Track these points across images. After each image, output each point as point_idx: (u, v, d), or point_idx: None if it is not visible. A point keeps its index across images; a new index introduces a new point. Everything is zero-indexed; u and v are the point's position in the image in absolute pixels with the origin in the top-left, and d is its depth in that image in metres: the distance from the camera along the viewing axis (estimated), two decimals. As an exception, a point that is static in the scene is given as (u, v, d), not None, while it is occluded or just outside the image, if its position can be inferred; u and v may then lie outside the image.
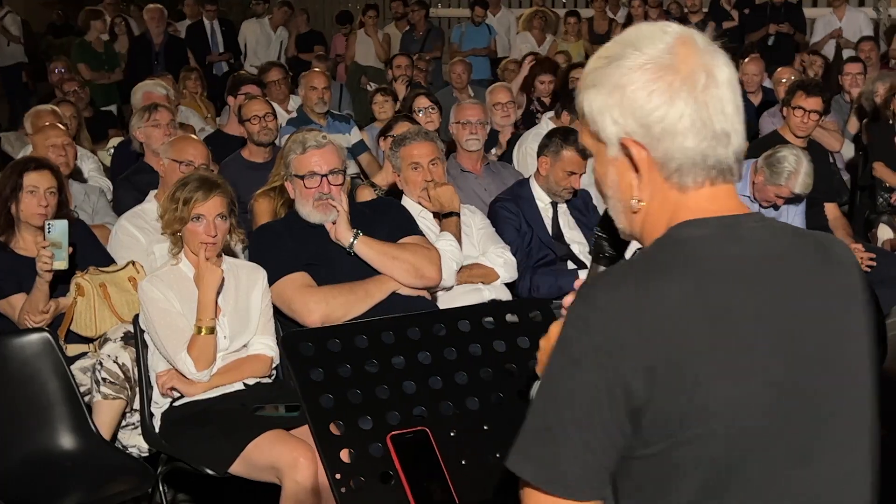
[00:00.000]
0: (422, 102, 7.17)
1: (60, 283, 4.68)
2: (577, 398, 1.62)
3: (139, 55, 11.95)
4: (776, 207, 5.95)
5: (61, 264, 4.54)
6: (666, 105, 1.67)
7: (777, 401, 1.66)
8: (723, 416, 1.63)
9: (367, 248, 4.42)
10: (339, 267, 4.42)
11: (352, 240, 4.38)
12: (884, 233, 7.15)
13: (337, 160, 4.52)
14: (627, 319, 1.62)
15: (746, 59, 9.52)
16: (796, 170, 5.73)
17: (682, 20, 12.43)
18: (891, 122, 7.47)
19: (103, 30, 12.20)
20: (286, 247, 4.42)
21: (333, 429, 2.24)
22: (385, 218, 4.68)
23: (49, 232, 4.54)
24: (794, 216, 6.05)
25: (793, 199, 5.92)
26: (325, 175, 4.44)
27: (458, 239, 4.88)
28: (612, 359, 1.60)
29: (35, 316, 4.54)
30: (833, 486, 1.74)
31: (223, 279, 4.21)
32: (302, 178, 4.46)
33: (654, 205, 1.75)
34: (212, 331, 4.14)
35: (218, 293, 4.19)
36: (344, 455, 2.24)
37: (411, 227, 4.66)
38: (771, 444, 1.67)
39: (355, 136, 7.73)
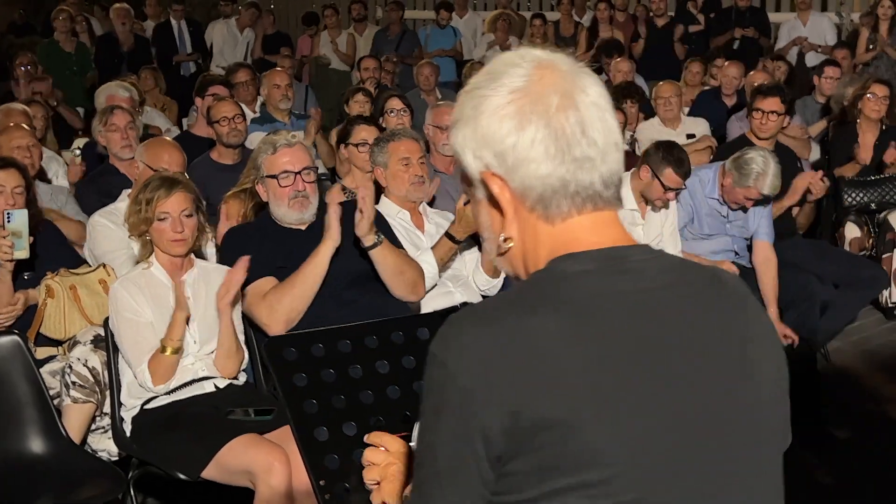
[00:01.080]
0: (394, 104, 7.14)
1: (24, 272, 4.64)
2: (439, 451, 1.52)
3: (105, 56, 11.84)
4: (745, 210, 5.98)
5: (22, 253, 4.49)
6: (516, 131, 1.56)
7: (665, 440, 1.54)
8: (605, 460, 1.50)
9: (384, 258, 4.41)
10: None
11: (375, 242, 4.36)
12: (851, 231, 7.23)
13: (308, 159, 4.54)
14: (493, 360, 1.48)
15: (727, 63, 9.58)
16: (764, 171, 5.75)
17: (649, 23, 12.52)
18: (857, 121, 7.53)
19: (65, 29, 12.08)
20: (255, 250, 4.39)
21: (318, 434, 2.22)
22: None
23: (8, 221, 4.48)
24: (760, 217, 6.08)
25: (760, 201, 5.95)
26: (299, 172, 4.43)
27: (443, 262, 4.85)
28: (473, 404, 1.48)
29: (1, 309, 4.48)
30: None
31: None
32: (275, 177, 4.44)
33: (526, 241, 1.63)
34: (176, 351, 4.11)
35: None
36: (328, 461, 2.21)
37: (394, 241, 4.64)
38: (665, 485, 1.55)
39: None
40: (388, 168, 5.04)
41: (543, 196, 1.58)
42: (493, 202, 1.62)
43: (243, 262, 4.12)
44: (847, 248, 7.20)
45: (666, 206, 5.67)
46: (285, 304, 4.26)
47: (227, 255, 4.51)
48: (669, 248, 5.78)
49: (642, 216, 5.73)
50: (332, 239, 4.30)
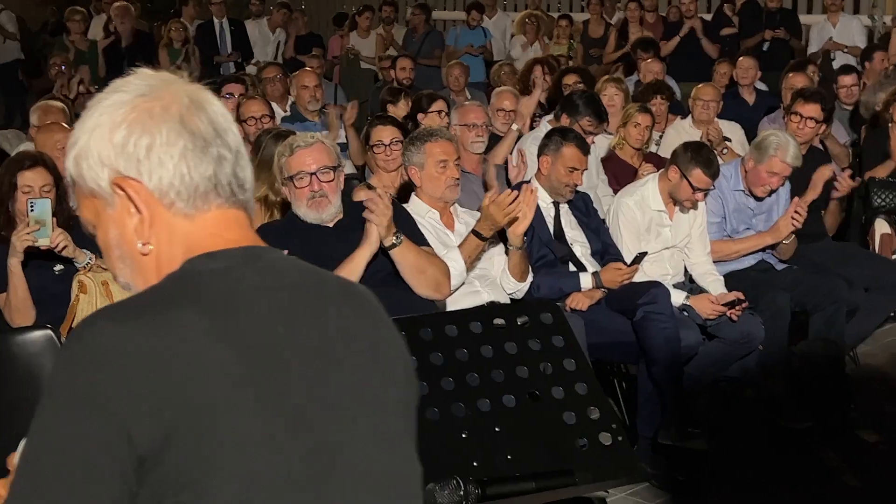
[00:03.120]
0: (440, 105, 7.16)
1: (55, 266, 4.69)
2: (68, 454, 1.43)
3: (112, 55, 11.94)
4: (772, 193, 5.95)
5: (45, 241, 4.53)
6: (149, 133, 1.58)
7: (292, 438, 1.54)
8: (242, 458, 1.50)
9: (405, 257, 4.42)
10: (333, 263, 4.40)
11: (394, 242, 4.36)
12: (881, 227, 7.19)
13: (327, 158, 4.50)
14: (131, 356, 1.46)
15: (741, 58, 9.58)
16: (785, 141, 5.79)
17: (678, 24, 12.49)
18: (889, 124, 7.49)
19: (79, 30, 12.19)
20: (283, 249, 4.39)
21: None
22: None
23: (31, 210, 4.52)
24: (784, 204, 6.07)
25: (784, 181, 5.94)
26: (314, 173, 4.42)
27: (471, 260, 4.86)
28: (111, 403, 1.43)
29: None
30: None
31: None
32: (292, 178, 4.46)
33: (162, 243, 1.63)
34: None
35: None
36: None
37: (421, 239, 4.64)
38: (292, 484, 1.54)
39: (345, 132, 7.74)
40: (423, 169, 4.99)
41: (181, 194, 1.60)
42: (126, 211, 1.61)
43: None
44: (877, 247, 7.16)
45: (695, 206, 5.65)
46: None
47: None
48: (698, 249, 5.78)
49: (670, 217, 5.71)
50: (370, 245, 4.30)
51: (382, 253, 4.43)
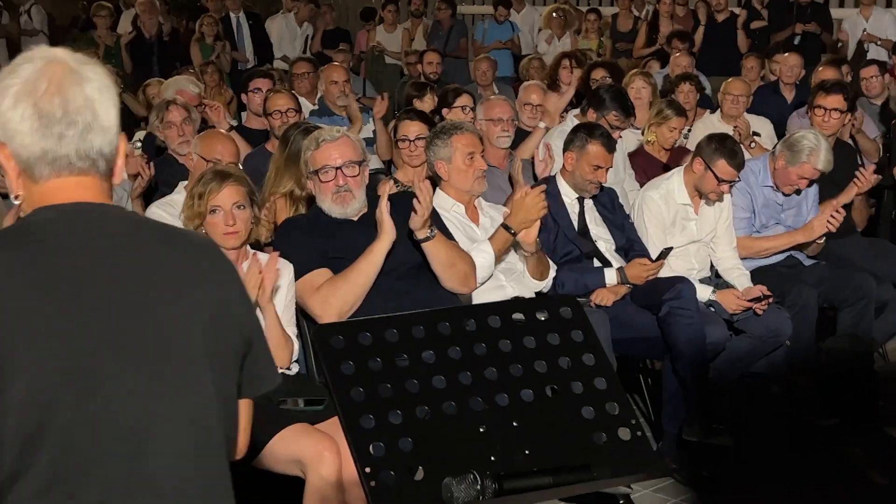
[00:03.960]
0: (465, 100, 7.14)
1: None
2: None
3: (137, 50, 11.99)
4: (798, 192, 5.93)
5: None
6: (11, 109, 1.95)
7: (71, 352, 1.90)
8: (28, 382, 1.85)
9: (437, 250, 4.43)
10: (356, 257, 4.41)
11: (428, 235, 4.37)
12: None
13: (353, 152, 4.50)
14: None
15: (787, 54, 9.49)
16: (817, 146, 5.73)
17: (709, 18, 12.45)
18: None
19: (106, 25, 12.26)
20: (308, 243, 4.43)
21: (364, 423, 2.24)
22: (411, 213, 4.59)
23: None
24: (812, 203, 6.06)
25: (813, 182, 5.92)
26: (340, 167, 4.43)
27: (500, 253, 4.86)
28: None
29: None
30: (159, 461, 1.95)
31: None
32: (317, 172, 4.47)
33: (26, 199, 2.03)
34: None
35: None
36: (373, 449, 2.23)
37: (446, 233, 4.64)
38: (67, 388, 1.89)
39: (373, 126, 7.74)
40: (451, 162, 4.96)
41: (29, 161, 1.98)
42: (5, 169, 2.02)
43: (274, 258, 4.15)
44: (914, 243, 7.15)
45: (720, 199, 5.62)
46: (339, 297, 4.28)
47: (280, 247, 4.55)
48: (724, 244, 5.76)
49: (695, 211, 5.69)
50: (387, 235, 4.31)
51: (403, 247, 4.43)
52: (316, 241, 4.45)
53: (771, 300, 5.42)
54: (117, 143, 2.07)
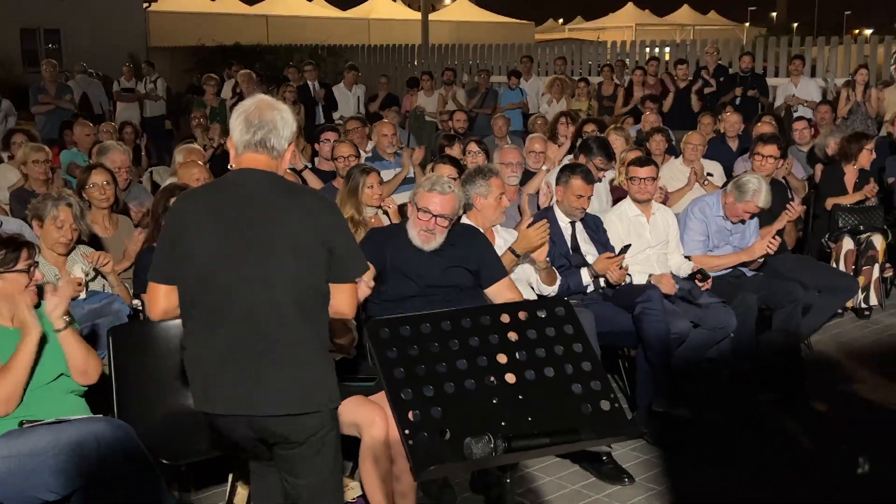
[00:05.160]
0: (472, 147, 7.19)
1: None
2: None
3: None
4: (743, 222, 5.91)
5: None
6: (234, 119, 2.96)
7: (227, 246, 2.80)
8: (196, 264, 2.81)
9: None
10: (413, 277, 4.34)
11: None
12: (846, 244, 7.22)
13: (450, 209, 4.34)
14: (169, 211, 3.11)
15: (729, 113, 9.51)
16: (759, 189, 5.75)
17: (675, 84, 12.44)
18: (850, 164, 7.58)
19: (213, 91, 12.37)
20: (381, 249, 4.34)
21: (404, 395, 2.25)
22: (474, 248, 4.49)
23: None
24: (753, 234, 6.02)
25: (755, 215, 5.90)
26: (436, 216, 4.31)
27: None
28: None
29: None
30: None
31: None
32: (418, 209, 4.35)
33: (234, 165, 2.94)
34: None
35: None
36: (411, 416, 2.24)
37: (503, 269, 4.56)
38: (228, 266, 2.80)
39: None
40: (486, 198, 4.93)
41: (236, 144, 2.92)
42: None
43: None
44: (842, 259, 7.14)
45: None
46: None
47: (365, 250, 4.46)
48: (675, 253, 5.80)
49: (647, 220, 5.74)
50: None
51: (448, 272, 4.33)
52: (388, 249, 4.34)
53: (709, 282, 5.44)
54: (286, 146, 2.93)
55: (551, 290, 5.02)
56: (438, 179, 4.43)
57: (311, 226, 2.83)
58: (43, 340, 3.52)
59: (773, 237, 5.78)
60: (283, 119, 2.89)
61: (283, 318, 2.78)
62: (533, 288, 5.04)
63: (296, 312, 2.79)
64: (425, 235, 4.32)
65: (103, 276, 4.81)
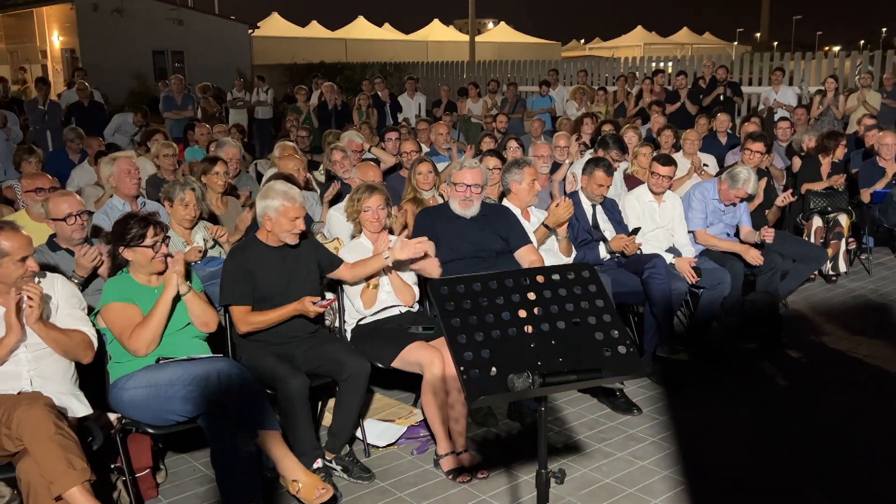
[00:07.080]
0: (512, 143, 7.14)
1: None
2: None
3: (321, 114, 12.10)
4: (734, 204, 5.79)
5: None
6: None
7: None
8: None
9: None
10: (460, 243, 4.37)
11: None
12: (816, 222, 7.09)
13: (479, 178, 4.42)
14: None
15: (720, 114, 9.31)
16: (749, 178, 5.64)
17: (675, 93, 12.19)
18: (827, 157, 7.44)
19: (303, 99, 12.37)
20: (433, 226, 4.37)
21: (460, 339, 2.24)
22: (503, 221, 4.50)
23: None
24: (742, 213, 5.89)
25: (744, 199, 5.77)
26: (470, 185, 4.38)
27: (541, 240, 4.80)
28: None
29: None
30: None
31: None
32: (455, 184, 4.40)
33: None
34: (376, 287, 4.14)
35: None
36: (466, 356, 2.23)
37: (528, 237, 4.54)
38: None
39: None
40: (521, 183, 4.93)
41: None
42: None
43: (425, 246, 4.01)
44: (813, 235, 7.00)
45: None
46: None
47: (418, 228, 4.50)
48: (680, 232, 5.64)
49: (658, 204, 5.62)
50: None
51: (487, 237, 4.34)
52: (438, 226, 4.37)
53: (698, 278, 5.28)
54: None
55: (568, 260, 4.98)
56: (465, 160, 4.50)
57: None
58: (176, 297, 3.58)
59: (767, 228, 5.66)
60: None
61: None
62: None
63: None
64: (465, 203, 4.37)
65: (220, 245, 4.87)
